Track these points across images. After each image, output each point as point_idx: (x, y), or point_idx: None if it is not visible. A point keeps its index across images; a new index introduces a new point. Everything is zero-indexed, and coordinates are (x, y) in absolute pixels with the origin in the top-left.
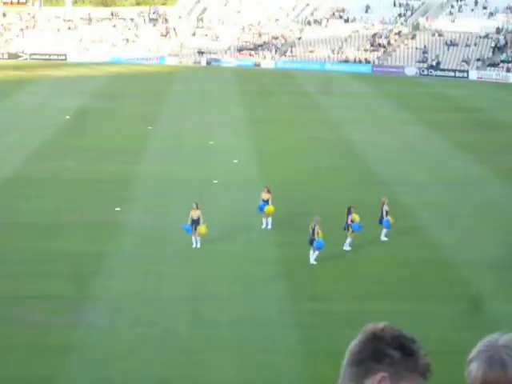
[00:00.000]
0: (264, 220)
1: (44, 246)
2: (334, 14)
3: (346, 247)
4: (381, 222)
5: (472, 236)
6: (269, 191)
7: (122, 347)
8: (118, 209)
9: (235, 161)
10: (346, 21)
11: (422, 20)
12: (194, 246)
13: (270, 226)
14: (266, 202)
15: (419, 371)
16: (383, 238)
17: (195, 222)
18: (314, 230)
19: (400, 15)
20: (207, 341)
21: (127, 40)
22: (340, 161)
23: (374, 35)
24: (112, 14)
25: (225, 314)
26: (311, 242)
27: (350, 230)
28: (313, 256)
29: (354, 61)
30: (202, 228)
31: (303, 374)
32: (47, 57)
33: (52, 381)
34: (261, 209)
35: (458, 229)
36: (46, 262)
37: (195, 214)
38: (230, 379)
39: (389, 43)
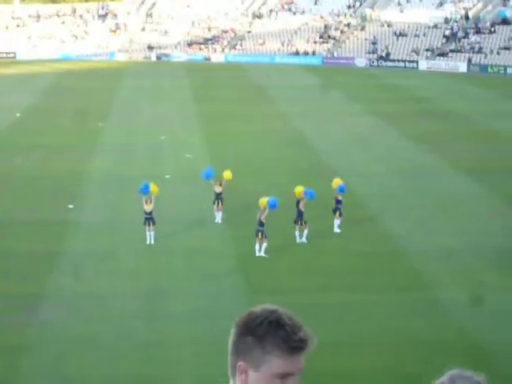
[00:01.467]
0: (216, 214)
1: None
2: (283, 6)
3: (303, 239)
4: (334, 211)
5: (424, 226)
6: (221, 184)
7: (78, 345)
8: (71, 206)
9: (188, 155)
10: (295, 13)
11: (370, 11)
12: (148, 242)
13: (220, 220)
14: (219, 194)
15: (282, 348)
16: (336, 230)
17: (149, 217)
18: (260, 219)
19: (349, 7)
20: (164, 336)
21: (76, 36)
22: (291, 152)
23: (325, 27)
24: (59, 11)
25: (181, 308)
26: (257, 232)
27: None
28: (260, 249)
29: (304, 53)
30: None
31: None
32: None
33: (8, 381)
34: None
35: (409, 219)
36: None
37: (148, 208)
38: (189, 374)
39: (339, 35)
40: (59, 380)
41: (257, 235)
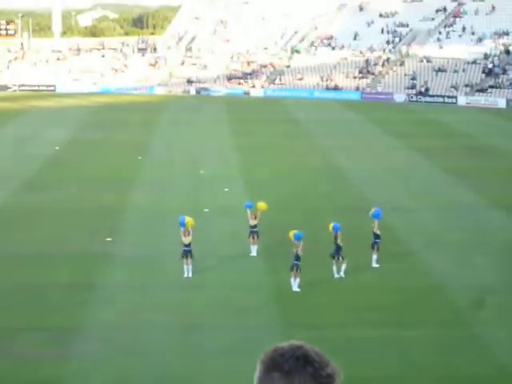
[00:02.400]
0: (252, 247)
1: (34, 277)
2: (322, 41)
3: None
4: (372, 246)
5: (463, 261)
6: (256, 217)
7: (114, 377)
8: (109, 239)
9: (226, 189)
10: (334, 48)
11: (409, 47)
12: (185, 275)
13: (255, 254)
14: (254, 227)
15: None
16: (374, 265)
17: (187, 249)
18: (296, 253)
19: (388, 42)
20: (199, 371)
21: (116, 70)
22: (329, 187)
23: (364, 62)
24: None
25: (216, 343)
26: (292, 267)
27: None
28: (295, 283)
29: (343, 88)
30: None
31: None
32: (36, 88)
33: None
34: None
35: (449, 254)
36: (37, 293)
37: (186, 240)
38: None
39: (379, 70)
40: None
41: (292, 269)
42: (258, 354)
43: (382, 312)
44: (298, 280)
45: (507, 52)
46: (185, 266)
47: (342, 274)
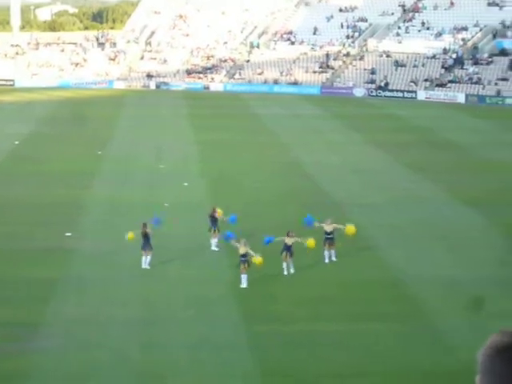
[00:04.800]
0: (212, 241)
1: None
2: (282, 36)
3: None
4: (324, 243)
5: (423, 255)
6: (214, 211)
7: (75, 371)
8: (69, 234)
9: (185, 184)
10: (294, 43)
11: (368, 41)
12: (143, 266)
13: (216, 248)
14: (215, 221)
15: None
16: (334, 259)
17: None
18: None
19: (348, 37)
20: (160, 365)
21: (75, 64)
22: (291, 183)
23: (324, 56)
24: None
25: (178, 337)
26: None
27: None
28: (244, 279)
29: (303, 83)
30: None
31: None
32: None
33: None
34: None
35: (409, 249)
36: None
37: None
38: None
39: (338, 64)
40: None
41: (242, 265)
42: (218, 347)
43: (342, 306)
44: (246, 276)
45: (466, 48)
46: (143, 258)
47: (291, 270)
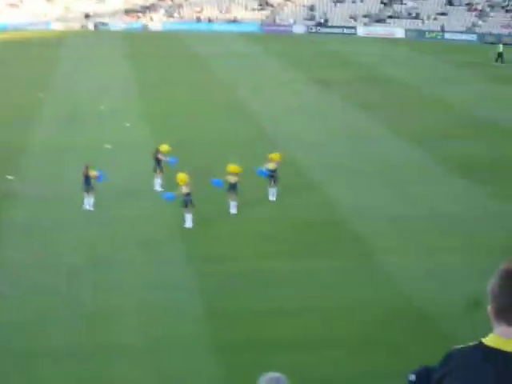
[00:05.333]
0: (155, 181)
1: None
2: None
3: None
4: (269, 181)
5: (367, 193)
6: (157, 152)
7: (23, 316)
8: (11, 177)
9: (127, 124)
10: None
11: None
12: (85, 207)
13: (160, 188)
14: (159, 162)
15: None
16: (271, 198)
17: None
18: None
19: None
20: (110, 306)
21: (11, 5)
22: (232, 121)
23: None
24: None
25: (125, 278)
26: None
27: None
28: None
29: (242, 21)
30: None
31: (207, 335)
32: None
33: None
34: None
35: (353, 186)
36: None
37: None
38: (136, 344)
39: (277, 1)
40: (7, 355)
41: (184, 205)
42: (166, 288)
43: (287, 244)
44: (190, 215)
45: None
46: (85, 200)
47: (234, 210)
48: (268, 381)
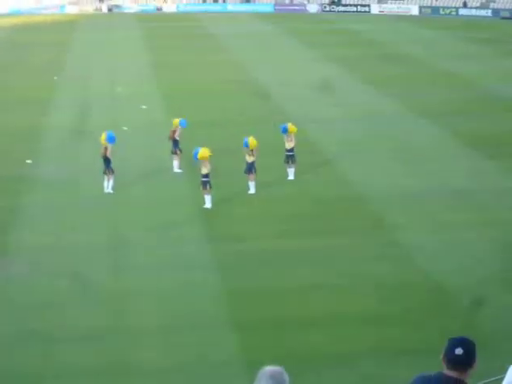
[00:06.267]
0: (174, 163)
1: None
2: None
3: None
4: (287, 160)
5: (383, 170)
6: (174, 132)
7: (43, 299)
8: (29, 161)
9: (144, 106)
10: None
11: None
12: (105, 190)
13: (178, 170)
14: (176, 142)
15: None
16: (290, 177)
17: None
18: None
19: None
20: (130, 287)
21: None
22: (249, 101)
23: None
24: None
25: (143, 259)
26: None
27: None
28: (207, 200)
29: (256, 1)
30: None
31: (226, 314)
32: None
33: None
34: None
35: (368, 164)
36: None
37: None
38: (156, 325)
39: None
40: (24, 335)
41: (204, 187)
42: (186, 268)
43: (305, 222)
44: (209, 197)
45: None
46: (105, 182)
47: (252, 190)
48: (271, 375)
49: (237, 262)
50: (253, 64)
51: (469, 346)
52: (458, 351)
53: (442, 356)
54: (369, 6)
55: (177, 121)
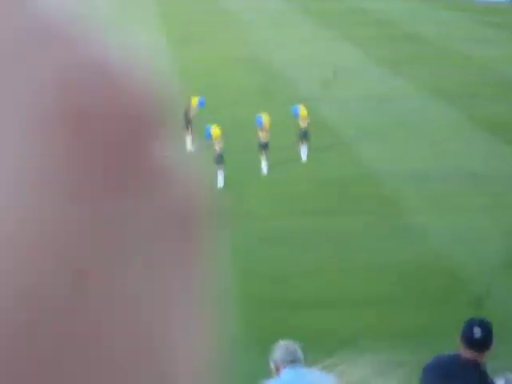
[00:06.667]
0: (188, 140)
1: None
2: None
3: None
4: (301, 140)
5: (395, 150)
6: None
7: None
8: None
9: None
10: None
11: None
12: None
13: (192, 148)
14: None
15: None
16: (303, 158)
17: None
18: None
19: None
20: None
21: None
22: (262, 80)
23: None
24: None
25: None
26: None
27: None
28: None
29: None
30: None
31: (235, 293)
32: None
33: None
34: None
35: (380, 144)
36: None
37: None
38: None
39: None
40: None
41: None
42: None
43: (316, 202)
44: (222, 174)
45: None
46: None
47: (265, 169)
48: (286, 347)
49: (247, 242)
50: (264, 41)
51: (487, 327)
52: (477, 331)
53: (459, 336)
54: None
55: (195, 100)
